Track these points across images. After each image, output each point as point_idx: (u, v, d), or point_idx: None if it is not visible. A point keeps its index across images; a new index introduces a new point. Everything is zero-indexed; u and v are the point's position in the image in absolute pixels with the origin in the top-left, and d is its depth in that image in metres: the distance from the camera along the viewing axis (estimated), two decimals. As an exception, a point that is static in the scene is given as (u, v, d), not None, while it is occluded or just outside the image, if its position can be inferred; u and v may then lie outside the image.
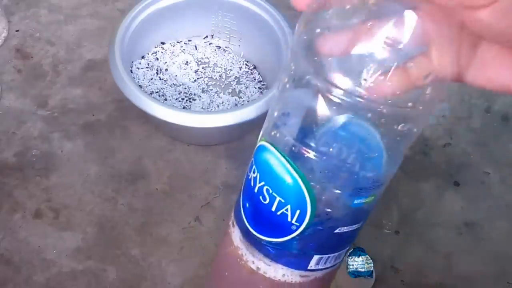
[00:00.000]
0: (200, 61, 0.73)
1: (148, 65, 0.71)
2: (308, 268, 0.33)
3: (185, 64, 0.72)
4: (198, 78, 0.71)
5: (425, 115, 0.26)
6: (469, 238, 0.62)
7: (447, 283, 0.58)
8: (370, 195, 0.29)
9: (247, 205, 0.32)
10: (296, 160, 0.27)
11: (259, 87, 0.71)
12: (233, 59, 0.73)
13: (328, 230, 0.30)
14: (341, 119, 0.25)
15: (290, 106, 0.28)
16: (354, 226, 0.31)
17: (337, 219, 0.30)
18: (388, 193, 0.65)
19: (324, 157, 0.27)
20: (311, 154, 0.27)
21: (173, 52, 0.73)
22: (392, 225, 0.62)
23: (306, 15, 0.25)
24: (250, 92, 0.70)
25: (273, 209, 0.29)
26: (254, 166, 0.31)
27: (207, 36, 0.74)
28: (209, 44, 0.74)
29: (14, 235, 0.59)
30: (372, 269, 0.49)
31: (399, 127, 0.25)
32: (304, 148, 0.27)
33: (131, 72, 0.68)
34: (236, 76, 0.72)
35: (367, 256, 0.49)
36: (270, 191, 0.29)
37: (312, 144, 0.27)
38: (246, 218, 0.33)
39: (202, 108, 0.68)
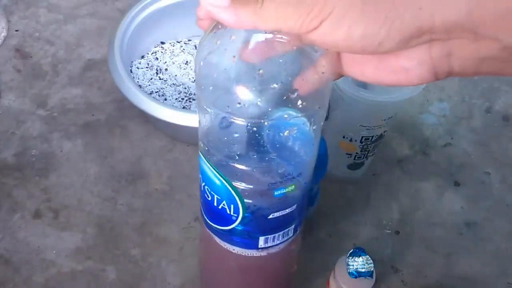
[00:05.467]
0: (200, 61, 0.73)
1: (148, 65, 0.70)
2: (259, 247, 0.39)
3: (185, 64, 0.72)
4: (198, 78, 0.71)
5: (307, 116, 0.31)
6: (469, 238, 0.62)
7: (447, 283, 0.58)
8: (288, 185, 0.34)
9: (201, 200, 0.39)
10: (220, 167, 0.33)
11: (259, 87, 0.70)
12: (233, 59, 0.73)
13: (263, 217, 0.36)
14: (243, 130, 0.30)
15: (208, 124, 0.32)
16: (286, 210, 0.36)
17: (267, 208, 0.35)
18: (388, 193, 0.65)
19: (238, 163, 0.32)
20: (229, 162, 0.33)
21: (173, 51, 0.72)
22: (392, 225, 0.62)
23: (202, 43, 0.29)
24: (250, 92, 0.70)
25: (215, 204, 0.36)
26: (199, 170, 0.37)
27: (207, 36, 0.74)
28: (209, 43, 0.74)
29: (13, 235, 0.59)
30: (372, 269, 0.48)
31: (285, 133, 0.32)
32: (223, 158, 0.33)
33: (131, 72, 0.68)
34: (236, 76, 0.72)
35: (367, 256, 0.49)
36: (209, 190, 0.35)
37: (229, 154, 0.33)
38: (202, 211, 0.40)
39: (202, 108, 0.68)
